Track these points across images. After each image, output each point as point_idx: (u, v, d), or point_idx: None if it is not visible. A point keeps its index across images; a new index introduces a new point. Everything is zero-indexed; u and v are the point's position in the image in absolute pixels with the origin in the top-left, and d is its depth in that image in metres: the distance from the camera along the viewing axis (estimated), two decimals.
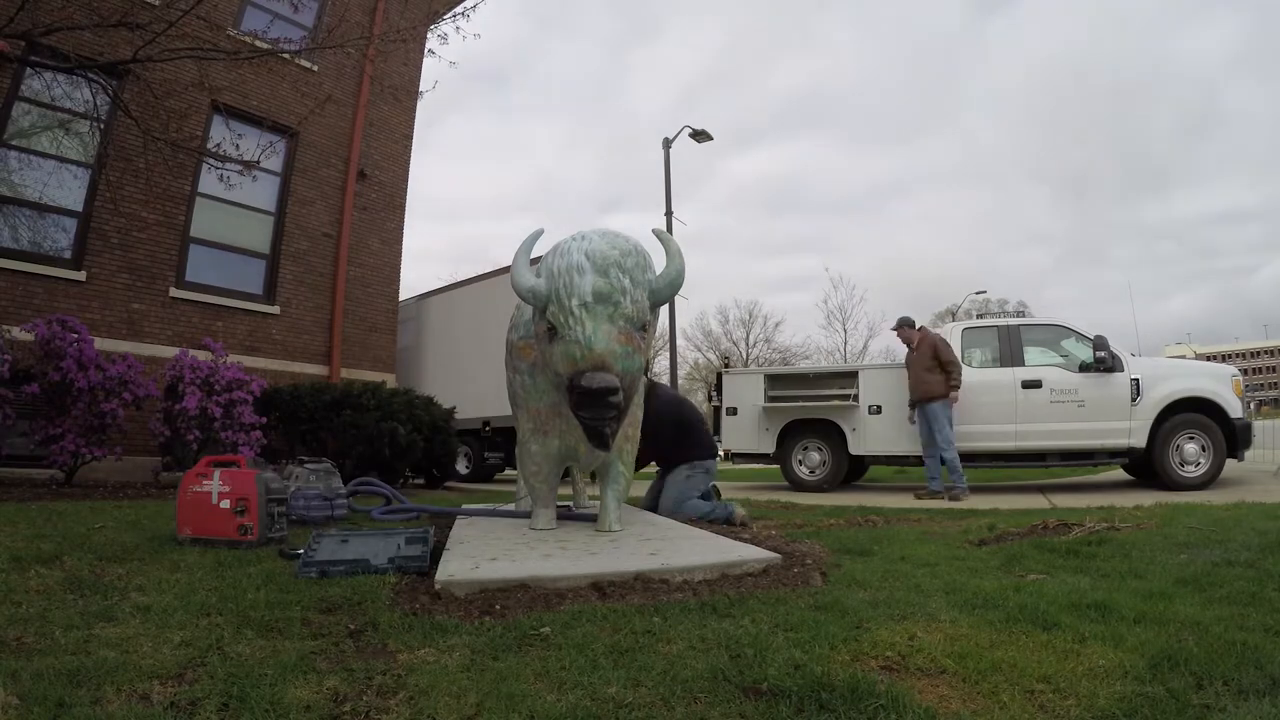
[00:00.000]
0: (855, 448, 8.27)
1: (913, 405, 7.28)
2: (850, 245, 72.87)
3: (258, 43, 7.63)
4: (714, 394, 9.62)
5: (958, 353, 7.91)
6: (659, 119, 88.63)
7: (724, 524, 4.16)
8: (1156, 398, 7.10)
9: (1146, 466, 7.31)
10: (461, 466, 10.98)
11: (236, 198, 8.12)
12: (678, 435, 4.78)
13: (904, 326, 7.46)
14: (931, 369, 7.04)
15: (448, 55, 12.49)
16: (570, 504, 4.23)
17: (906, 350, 7.44)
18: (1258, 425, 8.69)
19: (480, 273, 11.36)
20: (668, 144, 16.62)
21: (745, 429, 8.88)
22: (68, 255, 7.28)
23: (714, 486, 4.92)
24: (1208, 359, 14.93)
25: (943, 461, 7.02)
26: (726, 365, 13.08)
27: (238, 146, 7.15)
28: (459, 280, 12.24)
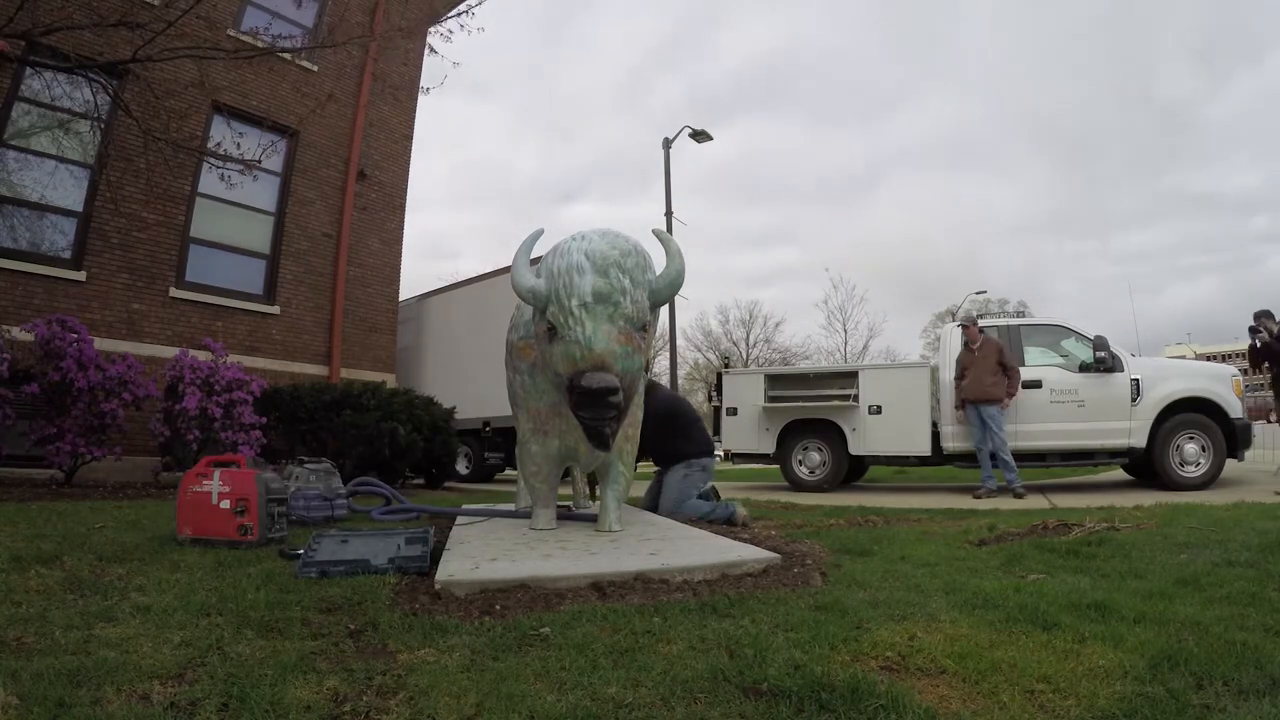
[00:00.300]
0: (855, 448, 8.28)
1: (967, 404, 7.23)
2: (835, 236, 70.50)
3: (258, 42, 7.63)
4: (714, 394, 9.62)
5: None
6: (613, 98, 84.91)
7: (725, 524, 4.16)
8: (1156, 398, 7.10)
9: (1146, 466, 7.31)
10: (461, 466, 10.98)
11: (236, 198, 8.12)
12: (671, 431, 4.76)
13: (972, 324, 7.47)
14: (995, 372, 7.07)
15: (450, 54, 12.52)
16: (570, 504, 4.24)
17: (962, 348, 7.40)
18: (1257, 425, 8.70)
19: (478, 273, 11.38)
20: (668, 144, 16.60)
21: (745, 429, 8.88)
22: (67, 255, 7.28)
23: (713, 487, 4.91)
24: (1208, 359, 14.91)
25: (994, 461, 7.05)
26: (726, 365, 13.09)
27: (238, 146, 7.15)
28: (459, 280, 12.25)
